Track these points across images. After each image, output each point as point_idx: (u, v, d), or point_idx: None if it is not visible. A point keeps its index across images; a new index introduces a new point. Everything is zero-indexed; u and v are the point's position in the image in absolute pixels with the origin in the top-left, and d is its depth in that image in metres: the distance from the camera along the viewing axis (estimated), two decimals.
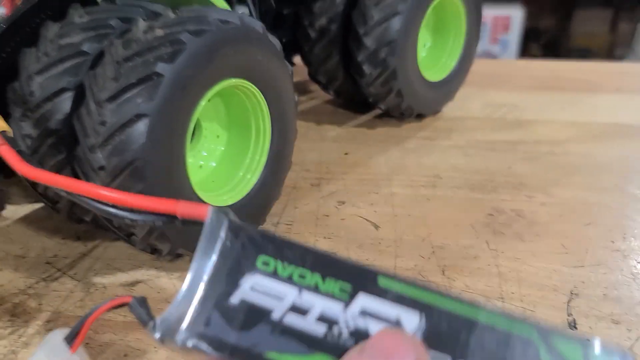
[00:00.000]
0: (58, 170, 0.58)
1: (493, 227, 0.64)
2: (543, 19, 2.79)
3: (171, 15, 0.58)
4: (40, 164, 0.58)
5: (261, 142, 0.67)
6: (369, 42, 0.82)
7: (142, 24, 0.56)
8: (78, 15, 0.60)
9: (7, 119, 0.58)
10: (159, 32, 0.55)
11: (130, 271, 0.59)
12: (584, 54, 2.65)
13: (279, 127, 0.67)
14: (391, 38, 0.81)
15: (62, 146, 0.56)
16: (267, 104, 0.65)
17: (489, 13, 2.80)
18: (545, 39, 2.83)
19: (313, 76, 0.95)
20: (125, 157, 0.52)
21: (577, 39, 2.74)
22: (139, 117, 0.51)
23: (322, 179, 0.78)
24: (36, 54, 0.59)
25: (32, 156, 0.57)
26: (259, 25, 0.62)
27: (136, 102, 0.51)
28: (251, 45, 0.60)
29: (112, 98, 0.52)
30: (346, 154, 0.85)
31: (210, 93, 0.58)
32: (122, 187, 0.53)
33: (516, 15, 2.76)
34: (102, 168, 0.53)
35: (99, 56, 0.57)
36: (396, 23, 0.80)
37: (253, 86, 0.62)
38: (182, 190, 0.58)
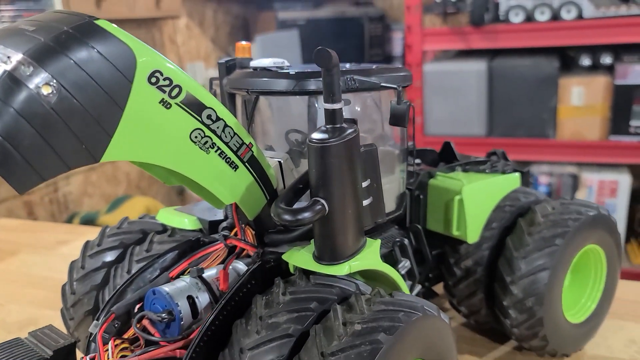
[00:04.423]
0: None
1: None
2: None
3: (364, 306, 0.67)
4: None
5: None
6: (516, 290, 0.88)
7: (340, 315, 0.65)
8: (282, 293, 0.71)
9: None
10: (357, 327, 0.64)
11: None
12: None
13: None
14: (539, 290, 0.87)
15: None
16: None
17: (595, 177, 2.82)
18: None
19: (455, 306, 1.01)
20: None
21: None
22: None
23: None
24: (247, 328, 0.69)
25: None
26: (432, 308, 0.69)
27: None
28: (428, 330, 0.68)
29: None
30: None
31: None
32: None
33: (624, 180, 2.76)
34: None
35: (302, 338, 0.66)
36: (544, 276, 0.87)
37: None
38: None
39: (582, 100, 2.68)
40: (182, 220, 0.89)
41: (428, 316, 0.68)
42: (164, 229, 0.93)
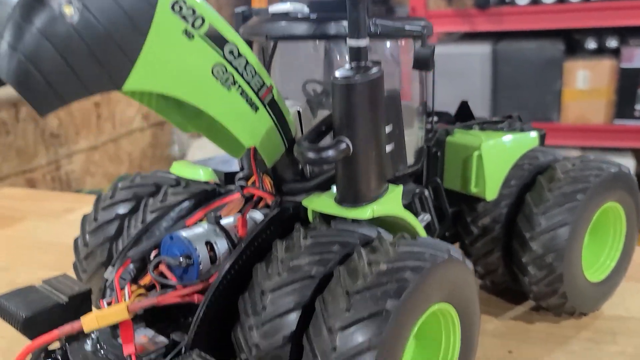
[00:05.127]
0: None
1: None
2: None
3: (389, 247, 0.65)
4: None
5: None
6: (535, 246, 0.87)
7: (365, 256, 0.64)
8: (302, 237, 0.70)
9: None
10: (383, 267, 0.62)
11: None
12: None
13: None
14: (559, 246, 0.85)
15: None
16: (460, 324, 0.70)
17: None
18: None
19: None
20: None
21: None
22: (368, 349, 0.58)
23: None
24: (267, 271, 0.68)
25: None
26: (457, 253, 0.68)
27: (367, 335, 0.58)
28: (453, 273, 0.67)
29: (344, 327, 0.59)
30: (510, 352, 0.88)
31: (419, 321, 0.64)
32: None
33: (628, 164, 2.75)
34: None
35: (324, 280, 0.65)
36: (564, 232, 0.85)
37: (453, 310, 0.68)
38: None
39: (587, 83, 2.66)
40: (197, 171, 0.88)
41: (453, 259, 0.66)
42: (177, 182, 0.91)
